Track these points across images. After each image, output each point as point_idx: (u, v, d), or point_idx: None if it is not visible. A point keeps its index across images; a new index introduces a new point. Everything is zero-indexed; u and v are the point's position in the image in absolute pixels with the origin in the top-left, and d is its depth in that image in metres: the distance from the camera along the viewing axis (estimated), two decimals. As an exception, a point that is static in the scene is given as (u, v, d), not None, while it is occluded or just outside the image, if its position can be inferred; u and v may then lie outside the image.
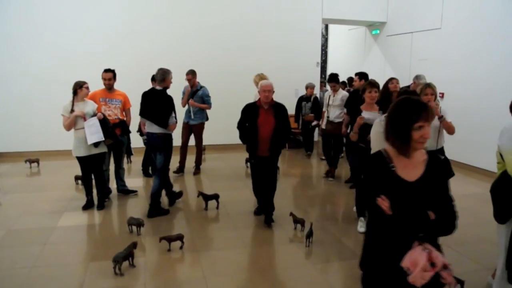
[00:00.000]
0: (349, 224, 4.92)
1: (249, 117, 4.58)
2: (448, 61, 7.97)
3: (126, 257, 3.66)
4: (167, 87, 5.02)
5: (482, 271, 3.68)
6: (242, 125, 4.70)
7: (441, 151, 4.23)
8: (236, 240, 4.40)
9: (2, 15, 7.86)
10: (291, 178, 7.27)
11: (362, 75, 6.26)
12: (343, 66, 11.57)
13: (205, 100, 6.77)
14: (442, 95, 7.73)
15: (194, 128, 6.90)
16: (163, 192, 5.30)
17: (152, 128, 4.95)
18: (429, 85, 4.12)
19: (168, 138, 5.00)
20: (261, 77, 5.89)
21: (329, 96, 6.81)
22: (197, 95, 6.72)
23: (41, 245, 4.17)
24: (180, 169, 6.97)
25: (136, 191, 5.91)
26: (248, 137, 4.64)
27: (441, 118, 4.04)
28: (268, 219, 4.76)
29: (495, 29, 7.02)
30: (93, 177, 5.26)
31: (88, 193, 5.27)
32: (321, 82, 10.17)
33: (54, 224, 4.73)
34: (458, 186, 5.39)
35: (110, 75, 5.50)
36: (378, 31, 10.37)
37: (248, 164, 6.19)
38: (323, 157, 7.67)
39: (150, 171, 6.80)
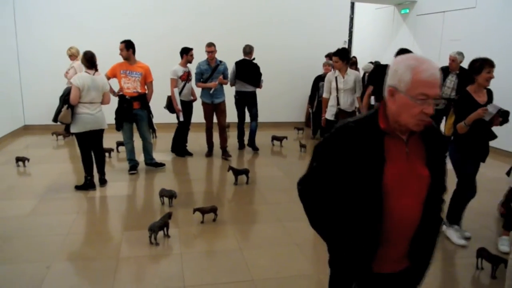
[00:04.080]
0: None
1: (356, 165, 1.47)
2: (483, 42, 7.67)
3: (162, 227, 3.65)
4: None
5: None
6: (321, 186, 1.58)
7: None
8: (268, 214, 4.36)
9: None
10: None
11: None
12: (368, 46, 11.30)
13: (226, 74, 6.40)
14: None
15: (221, 106, 6.40)
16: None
17: (245, 88, 6.71)
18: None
19: (255, 94, 6.91)
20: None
21: (336, 77, 5.26)
22: (218, 71, 6.27)
23: (74, 214, 4.19)
24: (210, 153, 6.64)
25: (164, 164, 5.89)
26: (353, 224, 1.54)
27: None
28: None
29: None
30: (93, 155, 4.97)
31: (88, 173, 4.90)
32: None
33: (84, 195, 4.75)
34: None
35: (121, 46, 5.34)
36: (407, 10, 10.02)
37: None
38: None
39: (185, 151, 6.59)
